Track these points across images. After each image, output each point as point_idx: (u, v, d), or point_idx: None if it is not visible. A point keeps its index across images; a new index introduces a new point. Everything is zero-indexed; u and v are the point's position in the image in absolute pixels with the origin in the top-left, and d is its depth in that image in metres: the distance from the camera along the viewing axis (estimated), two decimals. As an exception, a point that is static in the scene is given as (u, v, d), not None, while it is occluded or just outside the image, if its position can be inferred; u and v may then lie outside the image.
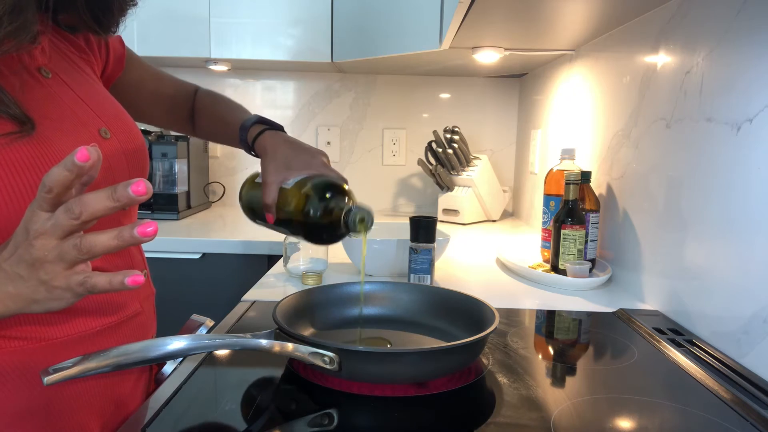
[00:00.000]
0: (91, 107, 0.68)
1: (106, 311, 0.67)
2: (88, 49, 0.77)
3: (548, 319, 0.94)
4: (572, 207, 1.12)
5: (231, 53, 1.78)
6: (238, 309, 0.94)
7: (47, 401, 0.61)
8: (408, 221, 1.07)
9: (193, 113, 0.99)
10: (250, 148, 0.86)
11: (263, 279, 1.14)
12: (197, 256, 1.52)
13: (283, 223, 0.77)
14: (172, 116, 0.98)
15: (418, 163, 1.96)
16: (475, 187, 1.89)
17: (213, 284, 1.55)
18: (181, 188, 1.84)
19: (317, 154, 0.81)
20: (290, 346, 0.63)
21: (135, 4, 0.74)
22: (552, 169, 1.30)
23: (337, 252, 1.30)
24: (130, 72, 0.88)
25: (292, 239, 1.14)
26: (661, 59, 1.00)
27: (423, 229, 1.05)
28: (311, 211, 0.73)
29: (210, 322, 0.84)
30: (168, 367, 0.72)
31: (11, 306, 0.48)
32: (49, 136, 0.59)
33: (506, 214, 2.14)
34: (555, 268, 1.15)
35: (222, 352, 0.74)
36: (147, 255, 0.82)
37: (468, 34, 1.28)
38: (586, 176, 1.17)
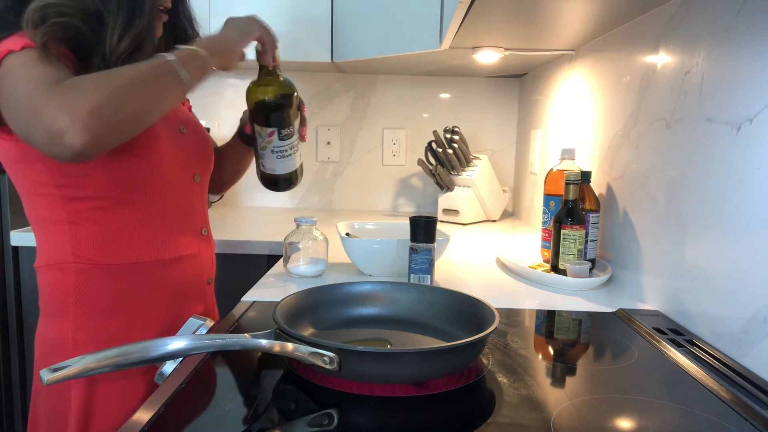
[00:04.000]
0: (175, 114, 1.00)
1: (161, 247, 0.93)
2: None
3: (548, 319, 0.94)
4: (572, 207, 1.12)
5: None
6: (238, 309, 0.94)
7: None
8: (408, 221, 1.07)
9: None
10: None
11: (263, 279, 1.14)
12: (197, 256, 1.52)
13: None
14: None
15: (418, 163, 1.96)
16: (475, 187, 1.89)
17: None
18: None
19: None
20: (290, 346, 0.63)
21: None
22: (552, 169, 1.30)
23: (337, 252, 1.30)
24: None
25: (292, 239, 1.14)
26: (661, 59, 1.00)
27: (423, 229, 1.05)
28: None
29: (210, 322, 0.84)
30: (168, 367, 0.72)
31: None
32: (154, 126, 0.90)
33: (506, 214, 2.14)
34: (555, 268, 1.15)
35: (222, 352, 0.74)
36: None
37: (468, 34, 1.28)
38: (586, 176, 1.17)
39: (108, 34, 0.83)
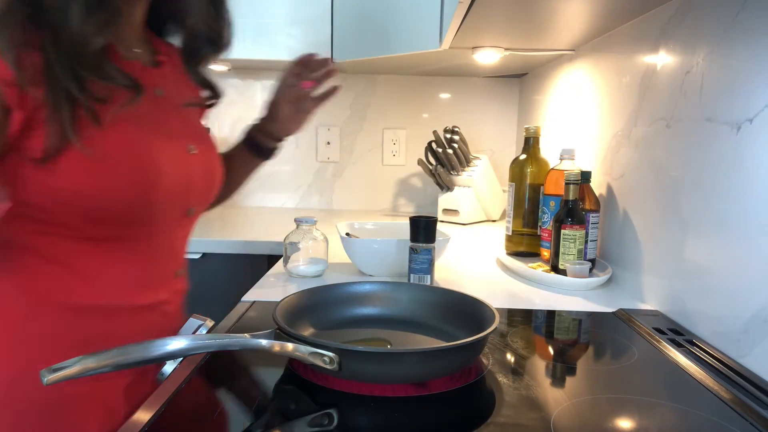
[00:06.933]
0: (186, 125, 0.86)
1: (133, 291, 0.78)
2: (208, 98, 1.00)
3: (548, 319, 0.94)
4: (572, 207, 1.12)
5: (231, 53, 1.77)
6: (238, 309, 0.94)
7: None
8: (408, 221, 1.07)
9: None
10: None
11: (263, 279, 1.14)
12: (197, 256, 1.52)
13: None
14: None
15: (418, 163, 1.96)
16: (475, 187, 1.89)
17: (213, 284, 1.55)
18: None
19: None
20: (290, 346, 0.63)
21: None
22: (552, 168, 1.30)
23: (337, 252, 1.30)
24: None
25: (292, 239, 1.14)
26: (661, 59, 1.00)
27: (423, 229, 1.05)
28: None
29: (210, 322, 0.84)
30: (168, 367, 0.72)
31: None
32: (149, 138, 0.75)
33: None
34: (555, 268, 1.15)
35: (222, 352, 0.74)
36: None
37: (468, 34, 1.28)
38: (586, 176, 1.17)
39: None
